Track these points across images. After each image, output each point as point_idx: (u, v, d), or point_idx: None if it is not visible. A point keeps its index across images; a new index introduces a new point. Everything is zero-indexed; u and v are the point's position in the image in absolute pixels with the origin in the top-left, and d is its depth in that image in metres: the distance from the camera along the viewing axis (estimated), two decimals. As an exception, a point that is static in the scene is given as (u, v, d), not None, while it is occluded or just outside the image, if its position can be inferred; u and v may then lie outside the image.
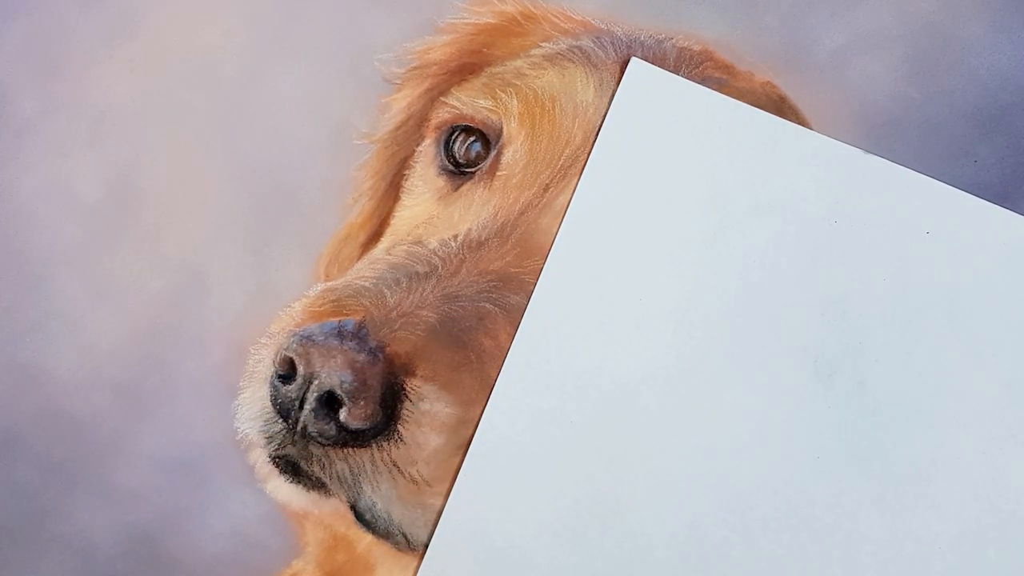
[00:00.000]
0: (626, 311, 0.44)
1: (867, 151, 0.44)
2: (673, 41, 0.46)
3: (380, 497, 0.43)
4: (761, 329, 0.44)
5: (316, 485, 0.44)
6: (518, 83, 0.46)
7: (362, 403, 0.41)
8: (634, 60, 0.45)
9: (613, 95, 0.46)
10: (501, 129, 0.46)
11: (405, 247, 0.45)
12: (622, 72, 0.46)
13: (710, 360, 0.44)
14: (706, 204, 0.44)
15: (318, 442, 0.43)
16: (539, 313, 0.44)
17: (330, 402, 0.42)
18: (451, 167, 0.47)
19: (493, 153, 0.46)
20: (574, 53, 0.46)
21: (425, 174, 0.47)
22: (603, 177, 0.45)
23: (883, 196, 0.44)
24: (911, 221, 0.44)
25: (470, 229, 0.45)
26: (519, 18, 0.48)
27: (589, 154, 0.45)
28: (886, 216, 0.44)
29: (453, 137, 0.47)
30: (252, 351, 0.46)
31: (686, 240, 0.44)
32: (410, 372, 0.42)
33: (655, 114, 0.45)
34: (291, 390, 0.42)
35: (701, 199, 0.45)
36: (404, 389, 0.42)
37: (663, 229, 0.45)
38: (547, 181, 0.45)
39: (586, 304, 0.44)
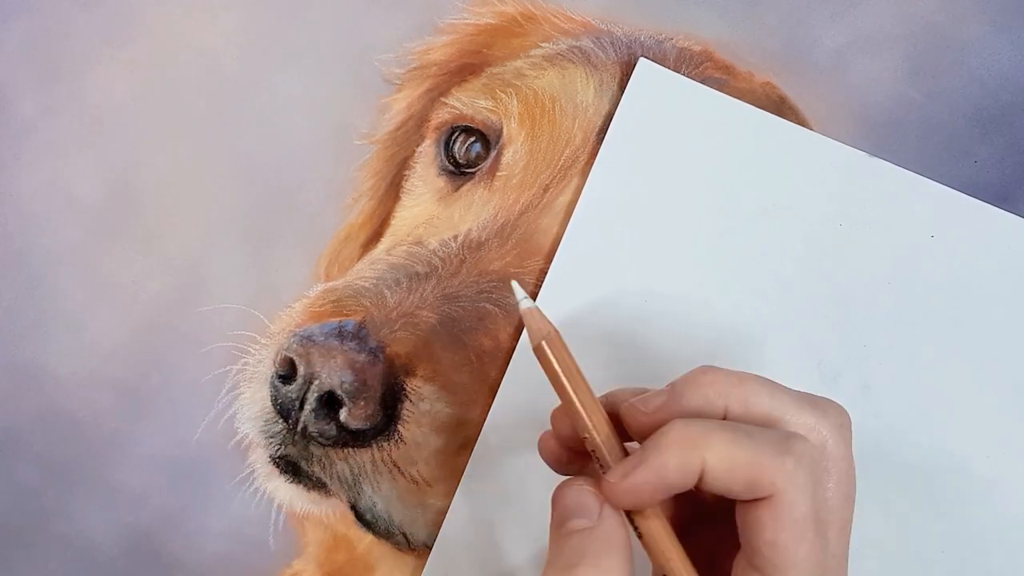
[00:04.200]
0: (630, 311, 0.44)
1: (872, 154, 0.44)
2: (673, 41, 0.46)
3: (380, 497, 0.43)
4: (766, 331, 0.44)
5: (316, 485, 0.44)
6: (518, 83, 0.46)
7: (362, 403, 0.41)
8: (642, 60, 0.45)
9: (614, 96, 0.46)
10: (501, 129, 0.46)
11: (405, 247, 0.45)
12: (622, 72, 0.46)
13: (715, 362, 0.43)
14: (712, 205, 0.44)
15: (318, 442, 0.43)
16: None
17: (330, 402, 0.42)
18: (451, 167, 0.47)
19: (493, 153, 0.46)
20: (574, 53, 0.46)
21: (425, 174, 0.47)
22: (609, 177, 0.45)
23: (888, 200, 0.44)
24: (916, 224, 0.44)
25: (470, 229, 0.45)
26: (519, 18, 0.48)
27: (595, 154, 0.45)
28: (891, 219, 0.44)
29: (453, 137, 0.47)
30: (252, 351, 0.46)
31: (691, 241, 0.44)
32: (410, 372, 0.42)
33: (662, 115, 0.45)
34: (291, 390, 0.42)
35: (707, 200, 0.44)
36: (404, 389, 0.42)
37: (668, 230, 0.45)
38: (547, 181, 0.45)
39: (590, 304, 0.44)
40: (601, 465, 0.35)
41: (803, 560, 0.33)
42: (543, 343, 0.36)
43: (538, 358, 0.36)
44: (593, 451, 0.35)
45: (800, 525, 0.33)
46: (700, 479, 0.33)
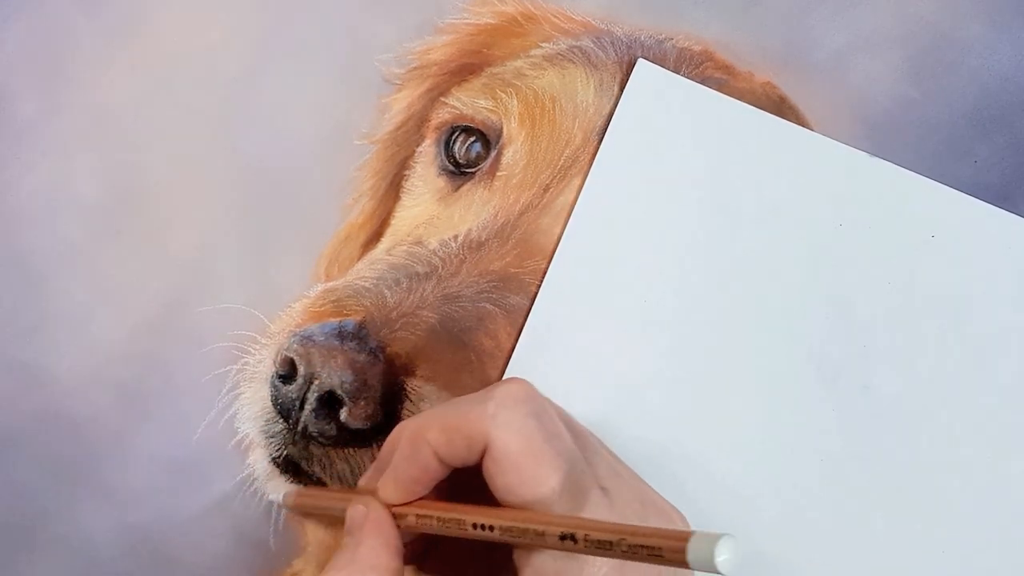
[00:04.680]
0: (631, 312, 0.44)
1: (872, 154, 0.44)
2: (673, 41, 0.46)
3: (381, 497, 0.43)
4: (766, 332, 0.44)
5: (317, 485, 0.44)
6: (518, 83, 0.46)
7: (362, 403, 0.41)
8: (641, 61, 0.45)
9: (614, 96, 0.46)
10: (501, 129, 0.46)
11: (405, 247, 0.45)
12: (622, 72, 0.46)
13: (715, 362, 0.43)
14: (712, 206, 0.44)
15: (319, 442, 0.43)
16: (543, 313, 0.44)
17: (331, 402, 0.42)
18: (451, 167, 0.47)
19: (493, 153, 0.46)
20: (574, 53, 0.46)
21: (425, 174, 0.47)
22: (608, 177, 0.45)
23: (889, 200, 0.44)
24: (916, 225, 0.44)
25: (470, 229, 0.45)
26: (519, 18, 0.48)
27: (595, 154, 0.45)
28: (891, 220, 0.44)
29: (453, 137, 0.47)
30: (252, 351, 0.46)
31: (691, 242, 0.44)
32: (410, 372, 0.42)
33: (661, 115, 0.45)
34: (292, 390, 0.42)
35: (707, 201, 0.44)
36: (404, 389, 0.42)
37: (668, 230, 0.44)
38: (547, 181, 0.45)
39: (590, 305, 0.44)
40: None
41: (541, 492, 0.34)
42: (296, 499, 0.43)
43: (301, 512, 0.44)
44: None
45: (519, 460, 0.34)
46: (441, 461, 0.36)
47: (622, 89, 0.45)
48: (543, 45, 0.47)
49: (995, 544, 0.42)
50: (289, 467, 0.44)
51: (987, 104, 0.45)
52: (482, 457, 0.35)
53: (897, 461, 0.42)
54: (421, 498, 0.37)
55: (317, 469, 0.43)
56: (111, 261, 0.47)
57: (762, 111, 0.45)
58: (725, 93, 0.45)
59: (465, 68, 0.47)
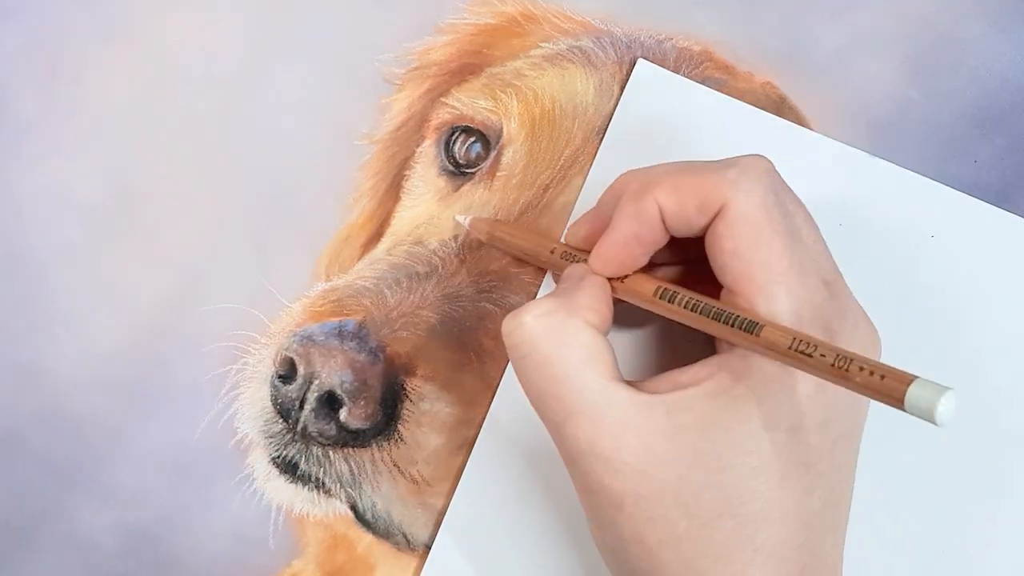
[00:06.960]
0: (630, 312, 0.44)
1: (873, 154, 0.44)
2: (673, 42, 0.46)
3: (380, 497, 0.43)
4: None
5: (316, 485, 0.44)
6: (518, 84, 0.46)
7: (362, 403, 0.42)
8: (641, 61, 0.45)
9: (614, 96, 0.46)
10: (501, 130, 0.46)
11: (405, 247, 0.45)
12: (622, 72, 0.46)
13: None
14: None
15: (318, 442, 0.43)
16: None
17: (330, 402, 0.42)
18: (451, 168, 0.47)
19: (493, 154, 0.46)
20: (574, 54, 0.46)
21: (425, 175, 0.47)
22: (608, 177, 0.45)
23: (889, 200, 0.44)
24: (917, 225, 0.44)
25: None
26: (519, 19, 0.48)
27: (595, 154, 0.45)
28: (892, 219, 0.44)
29: (453, 138, 0.47)
30: (252, 351, 0.46)
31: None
32: (410, 372, 0.42)
33: (661, 115, 0.45)
34: (291, 390, 0.42)
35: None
36: (404, 389, 0.42)
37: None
38: (547, 181, 0.45)
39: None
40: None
41: (771, 262, 0.33)
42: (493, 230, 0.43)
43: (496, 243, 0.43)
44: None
45: (756, 227, 0.33)
46: (664, 222, 0.35)
47: (622, 89, 0.45)
48: (543, 45, 0.47)
49: (995, 544, 0.42)
50: (289, 467, 0.44)
51: (987, 104, 0.45)
52: (708, 225, 0.34)
53: (897, 461, 0.42)
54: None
55: (316, 469, 0.43)
56: (111, 261, 0.47)
57: (762, 111, 0.45)
58: (725, 93, 0.45)
59: (465, 68, 0.48)
